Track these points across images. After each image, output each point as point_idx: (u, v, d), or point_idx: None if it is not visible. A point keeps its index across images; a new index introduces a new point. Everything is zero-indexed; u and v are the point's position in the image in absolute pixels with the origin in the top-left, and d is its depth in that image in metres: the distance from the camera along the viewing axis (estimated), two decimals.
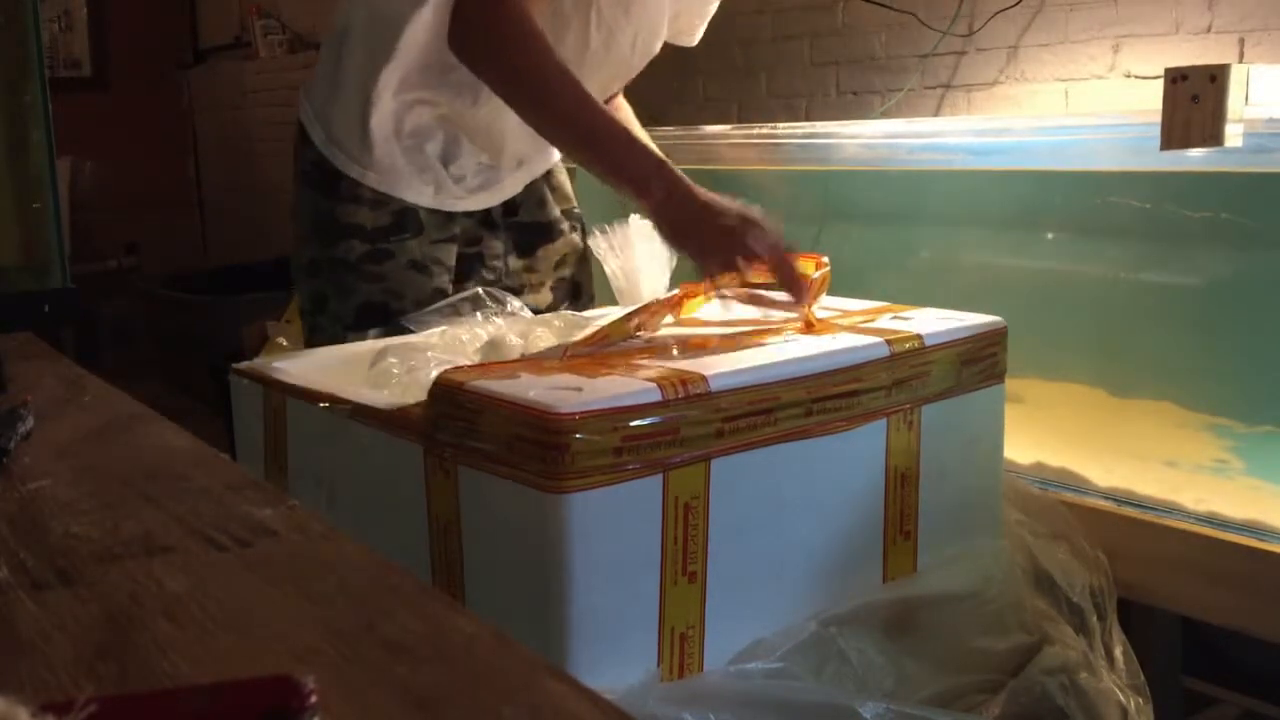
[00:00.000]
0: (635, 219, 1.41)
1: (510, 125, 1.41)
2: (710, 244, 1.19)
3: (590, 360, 1.04)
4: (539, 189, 1.60)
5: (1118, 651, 1.25)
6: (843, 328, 1.15)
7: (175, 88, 6.08)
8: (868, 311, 1.24)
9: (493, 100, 1.35)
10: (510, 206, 1.56)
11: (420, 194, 1.47)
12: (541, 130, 1.32)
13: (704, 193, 1.22)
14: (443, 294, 1.45)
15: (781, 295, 1.20)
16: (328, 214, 1.47)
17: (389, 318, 1.41)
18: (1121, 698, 1.18)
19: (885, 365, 1.07)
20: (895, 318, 1.20)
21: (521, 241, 1.57)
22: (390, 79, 1.41)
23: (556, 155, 1.60)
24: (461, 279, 1.52)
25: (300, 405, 1.16)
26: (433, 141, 1.47)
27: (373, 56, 1.41)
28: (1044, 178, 1.65)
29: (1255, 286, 1.43)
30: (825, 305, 1.26)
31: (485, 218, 1.55)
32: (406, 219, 1.46)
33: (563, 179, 1.64)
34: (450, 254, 1.50)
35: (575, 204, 1.64)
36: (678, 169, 1.24)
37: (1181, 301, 1.51)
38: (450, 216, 1.50)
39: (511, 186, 1.55)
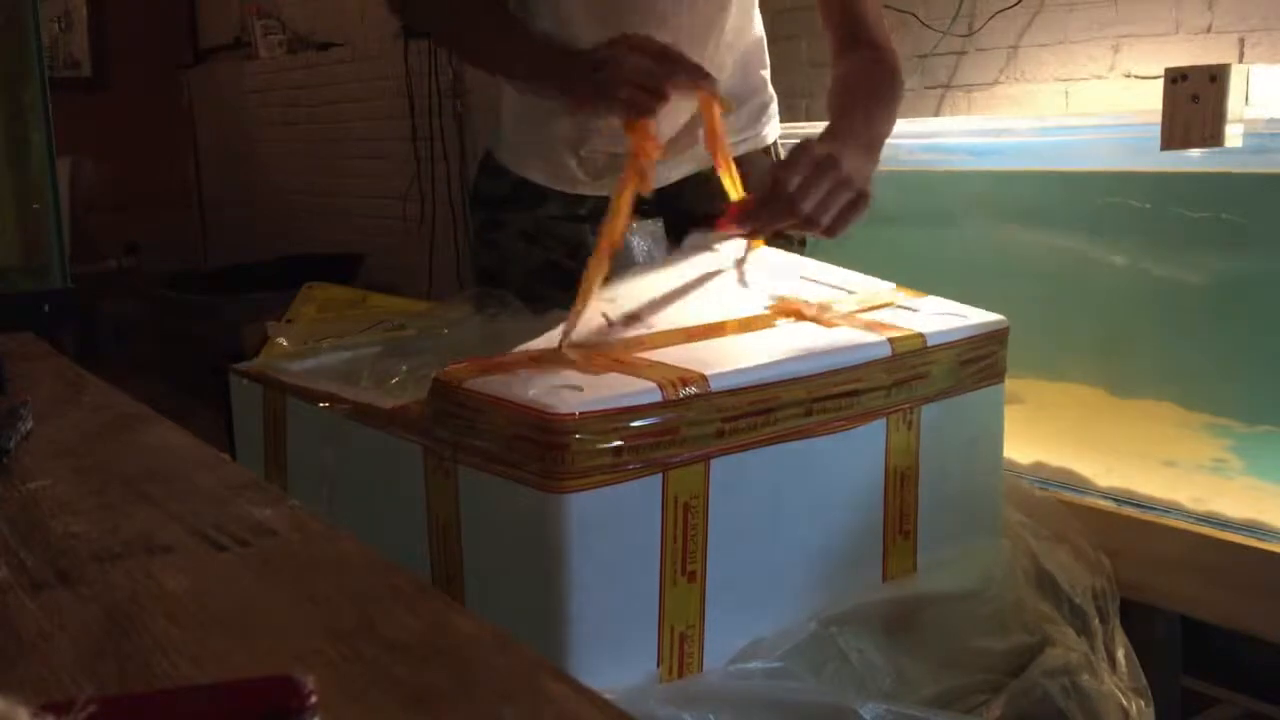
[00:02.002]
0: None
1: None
2: (595, 88, 1.18)
3: (590, 358, 1.04)
4: (710, 178, 1.47)
5: (1120, 654, 1.25)
6: (844, 318, 1.14)
7: (175, 88, 6.08)
8: (872, 300, 1.22)
9: None
10: (670, 194, 1.48)
11: (539, 172, 1.49)
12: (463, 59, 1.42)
13: (572, 48, 1.24)
14: (555, 268, 1.46)
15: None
16: (471, 189, 1.58)
17: (500, 286, 1.43)
18: (1123, 701, 1.18)
19: (885, 365, 1.07)
20: (899, 307, 1.19)
21: (675, 229, 1.45)
22: None
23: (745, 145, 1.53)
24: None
25: (300, 405, 1.16)
26: (561, 122, 1.45)
27: None
28: (1044, 178, 1.65)
29: (1255, 286, 1.43)
30: (830, 283, 1.26)
31: (636, 202, 1.49)
32: (524, 190, 1.48)
33: (748, 173, 1.50)
34: (578, 232, 1.48)
35: None
36: (545, 41, 1.28)
37: (1181, 301, 1.51)
38: (579, 197, 1.49)
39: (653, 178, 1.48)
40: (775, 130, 1.58)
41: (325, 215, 4.97)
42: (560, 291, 1.41)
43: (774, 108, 1.58)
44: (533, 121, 1.48)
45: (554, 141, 1.47)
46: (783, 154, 1.53)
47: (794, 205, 1.11)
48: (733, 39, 1.48)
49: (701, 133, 1.41)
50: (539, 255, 1.47)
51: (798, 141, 1.20)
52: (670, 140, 1.44)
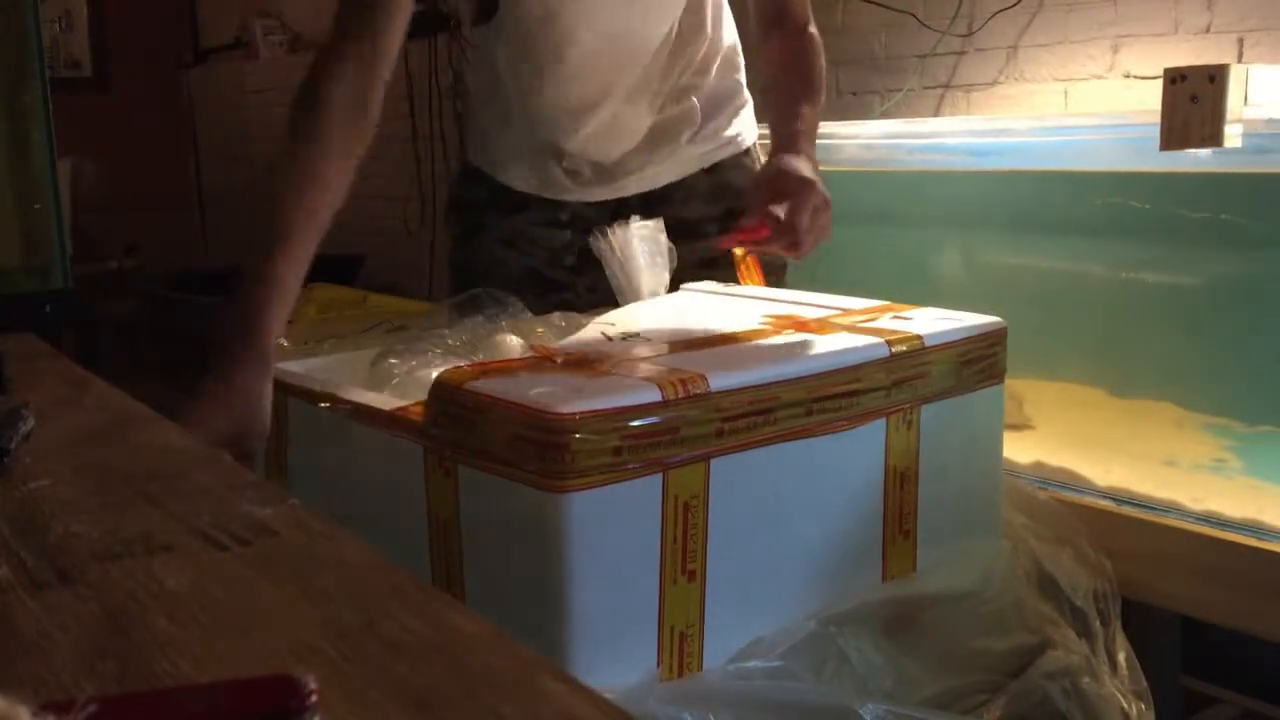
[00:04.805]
0: (635, 219, 1.41)
1: (564, 118, 1.43)
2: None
3: (589, 359, 1.04)
4: (696, 184, 1.52)
5: (1121, 657, 1.25)
6: (842, 327, 1.15)
7: (175, 88, 6.08)
8: (868, 311, 1.24)
9: (550, 83, 1.40)
10: (655, 200, 1.49)
11: (522, 179, 1.49)
12: None
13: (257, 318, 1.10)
14: (537, 275, 1.46)
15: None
16: (449, 195, 1.58)
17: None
18: (1124, 703, 1.18)
19: (885, 365, 1.07)
20: (895, 317, 1.20)
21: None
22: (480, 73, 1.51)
23: (711, 155, 1.52)
24: (584, 269, 1.46)
25: (300, 405, 1.16)
26: (542, 131, 1.47)
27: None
28: (1044, 178, 1.65)
29: (1255, 286, 1.43)
30: (824, 304, 1.26)
31: (617, 209, 1.48)
32: (504, 196, 1.48)
33: (732, 177, 1.53)
34: (556, 238, 1.48)
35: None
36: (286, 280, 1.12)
37: (1181, 301, 1.52)
38: (560, 203, 1.49)
39: (637, 185, 1.49)
40: (752, 132, 1.61)
41: None
42: (539, 298, 1.42)
43: (749, 110, 1.60)
44: (517, 129, 1.49)
45: (538, 148, 1.48)
46: (761, 156, 1.55)
47: (798, 240, 1.21)
48: (692, 46, 1.49)
49: (670, 155, 1.47)
50: (519, 261, 1.47)
51: (775, 165, 1.26)
52: (588, 151, 1.47)
